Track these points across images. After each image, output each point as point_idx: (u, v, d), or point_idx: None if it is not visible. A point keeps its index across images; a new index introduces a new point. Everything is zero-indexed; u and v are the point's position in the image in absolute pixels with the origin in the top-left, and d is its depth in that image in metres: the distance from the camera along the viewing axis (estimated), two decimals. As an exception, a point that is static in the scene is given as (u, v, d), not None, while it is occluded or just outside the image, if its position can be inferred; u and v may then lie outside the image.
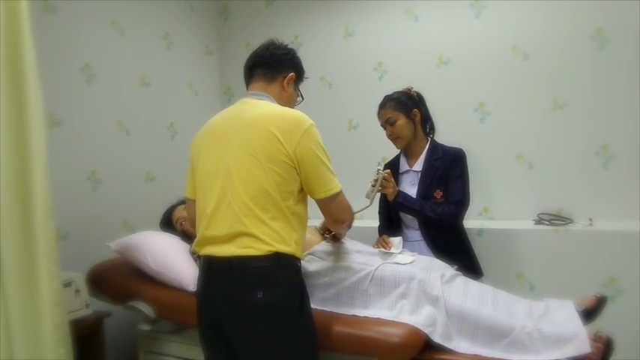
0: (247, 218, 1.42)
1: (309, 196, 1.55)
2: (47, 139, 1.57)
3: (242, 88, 3.48)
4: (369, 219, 2.55)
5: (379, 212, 2.32)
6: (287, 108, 1.56)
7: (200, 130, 1.66)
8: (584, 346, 1.39)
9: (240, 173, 1.45)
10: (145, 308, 1.94)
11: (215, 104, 3.37)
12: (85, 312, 2.00)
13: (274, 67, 1.67)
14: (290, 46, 1.75)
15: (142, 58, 2.85)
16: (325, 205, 1.52)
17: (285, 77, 1.67)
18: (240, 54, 3.35)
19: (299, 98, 1.78)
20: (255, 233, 1.41)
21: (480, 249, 2.31)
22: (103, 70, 2.60)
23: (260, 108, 1.53)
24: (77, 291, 1.99)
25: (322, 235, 1.93)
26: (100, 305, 2.13)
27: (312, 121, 1.51)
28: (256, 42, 3.28)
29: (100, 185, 2.56)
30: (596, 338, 1.43)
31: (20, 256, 1.53)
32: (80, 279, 2.03)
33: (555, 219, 2.38)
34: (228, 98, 3.39)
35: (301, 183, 1.50)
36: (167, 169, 2.94)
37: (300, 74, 1.75)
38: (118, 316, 2.21)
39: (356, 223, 2.78)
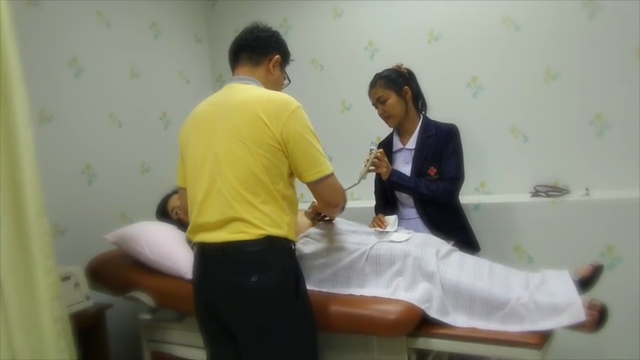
0: (238, 203, 1.42)
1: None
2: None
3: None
4: (365, 199, 2.55)
5: (375, 192, 2.32)
6: (273, 91, 1.55)
7: (187, 118, 1.65)
8: (579, 315, 1.40)
9: (229, 158, 1.45)
10: (145, 298, 1.96)
11: (207, 92, 3.27)
12: (85, 304, 2.02)
13: (259, 50, 1.65)
14: (274, 29, 1.74)
15: (130, 49, 2.83)
16: (316, 187, 1.51)
17: (270, 60, 1.65)
18: (230, 40, 3.30)
19: (286, 81, 1.77)
20: (246, 218, 1.42)
21: (478, 224, 2.31)
22: (91, 63, 2.59)
23: (246, 92, 1.52)
24: (77, 284, 2.00)
25: (312, 219, 1.93)
26: (101, 297, 2.14)
27: (298, 104, 1.49)
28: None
29: (95, 179, 2.56)
30: (590, 306, 1.43)
31: (15, 252, 1.53)
32: (79, 272, 2.04)
33: (552, 190, 2.38)
34: (220, 85, 3.30)
35: (290, 166, 1.49)
36: (162, 159, 2.94)
37: (285, 57, 1.73)
38: (120, 306, 2.23)
39: (353, 204, 2.81)
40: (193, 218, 1.53)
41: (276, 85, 1.69)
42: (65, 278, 1.94)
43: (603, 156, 2.33)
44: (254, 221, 1.42)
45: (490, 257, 1.85)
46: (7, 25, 1.55)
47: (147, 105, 2.91)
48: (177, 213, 2.12)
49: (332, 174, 1.52)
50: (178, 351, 2.04)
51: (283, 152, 1.46)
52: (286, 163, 1.48)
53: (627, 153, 2.28)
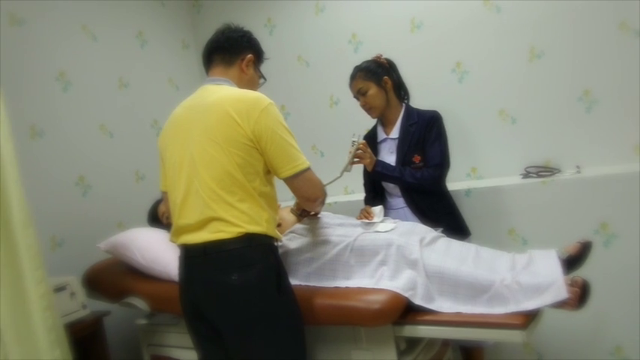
0: (215, 203, 1.44)
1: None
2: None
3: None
4: (359, 192, 2.55)
5: (364, 184, 2.32)
6: (244, 90, 1.56)
7: (165, 123, 1.67)
8: (562, 292, 1.39)
9: (204, 160, 1.46)
10: (140, 303, 1.98)
11: None
12: (82, 313, 2.05)
13: (231, 50, 1.66)
14: (246, 29, 1.75)
15: (118, 60, 2.86)
16: (293, 183, 1.51)
17: (243, 60, 1.67)
18: (218, 43, 3.35)
19: (261, 80, 1.77)
20: (224, 217, 1.43)
21: (470, 209, 2.31)
22: (79, 77, 2.62)
23: (218, 92, 1.54)
24: (72, 293, 2.03)
25: (298, 216, 1.93)
26: (100, 305, 2.18)
27: (270, 101, 1.50)
28: (230, 30, 3.27)
29: (90, 190, 2.60)
30: (572, 283, 1.42)
31: (4, 264, 1.57)
32: (75, 282, 2.08)
33: (543, 170, 2.35)
34: (210, 89, 3.38)
35: (266, 163, 1.50)
36: (156, 166, 2.90)
37: (259, 55, 1.74)
38: (118, 313, 2.26)
39: (347, 198, 2.83)
40: (175, 221, 1.55)
41: (251, 84, 1.70)
42: (60, 288, 1.98)
43: (593, 132, 2.30)
44: (232, 220, 1.43)
45: (484, 242, 1.85)
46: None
47: (137, 113, 2.94)
48: (167, 218, 2.14)
49: (308, 168, 1.52)
50: (177, 353, 2.06)
51: (257, 150, 1.47)
52: (261, 160, 1.49)
53: (617, 127, 2.25)
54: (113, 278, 2.11)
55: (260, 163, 1.49)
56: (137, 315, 2.09)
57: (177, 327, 2.05)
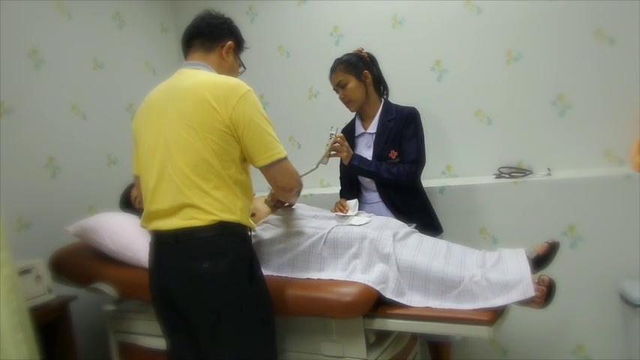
0: (189, 189, 1.42)
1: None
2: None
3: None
4: (335, 186, 2.55)
5: (340, 177, 2.33)
6: (223, 76, 1.54)
7: (140, 106, 1.64)
8: (529, 290, 1.42)
9: (179, 144, 1.44)
10: (108, 289, 1.95)
11: None
12: (47, 297, 2.00)
13: (211, 36, 1.64)
14: (226, 16, 1.72)
15: (93, 40, 2.78)
16: (269, 172, 1.50)
17: (223, 47, 1.64)
18: (197, 29, 3.29)
19: (241, 68, 1.75)
20: (197, 204, 1.41)
21: (443, 207, 2.34)
22: (52, 55, 2.54)
23: (195, 77, 1.51)
24: (38, 277, 1.98)
25: (272, 207, 1.92)
26: (66, 290, 2.13)
27: (249, 88, 1.48)
28: (211, 15, 3.22)
29: (59, 171, 2.53)
30: (539, 282, 1.46)
31: (-34, 245, 1.52)
32: (40, 265, 2.02)
33: (515, 171, 2.40)
34: (188, 75, 3.33)
35: (242, 151, 1.49)
36: (129, 151, 2.86)
37: (239, 43, 1.72)
38: (85, 299, 2.21)
39: (322, 190, 2.83)
40: (146, 206, 1.52)
41: (231, 71, 1.68)
42: (25, 271, 1.92)
43: (565, 136, 2.35)
44: (205, 207, 1.41)
45: (456, 239, 1.87)
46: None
47: (112, 96, 2.87)
48: (139, 202, 2.10)
49: (285, 158, 1.51)
50: (145, 341, 2.04)
51: (233, 137, 1.45)
52: (237, 147, 1.47)
53: (589, 132, 2.31)
54: (81, 263, 2.07)
55: (236, 151, 1.47)
56: (104, 301, 2.05)
57: (145, 314, 2.02)
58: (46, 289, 2.00)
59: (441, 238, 1.92)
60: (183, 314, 1.47)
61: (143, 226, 1.57)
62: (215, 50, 1.62)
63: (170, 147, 1.45)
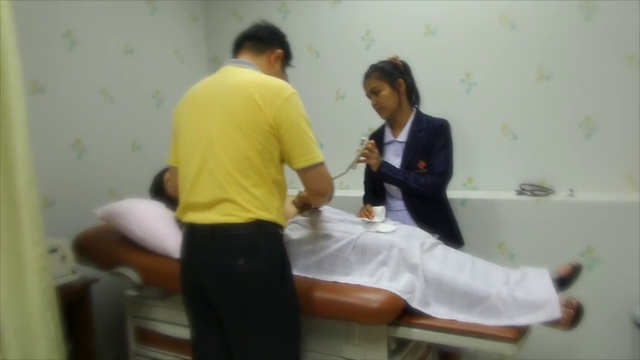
0: (229, 185, 1.44)
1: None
2: (29, 106, 1.56)
3: (229, 56, 3.44)
4: (354, 188, 2.58)
5: (364, 182, 2.35)
6: (270, 76, 1.56)
7: (182, 98, 1.66)
8: (555, 312, 1.44)
9: (222, 140, 1.46)
10: (131, 274, 1.97)
11: (202, 73, 3.26)
12: (71, 278, 2.03)
13: (264, 40, 1.68)
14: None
15: (126, 24, 2.81)
16: (305, 175, 1.52)
17: (272, 52, 1.68)
18: (227, 22, 3.31)
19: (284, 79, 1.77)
20: (237, 200, 1.43)
21: (463, 219, 2.35)
22: (86, 36, 2.56)
23: (242, 75, 1.53)
24: (63, 257, 2.01)
25: (299, 207, 1.94)
26: (87, 271, 2.15)
27: (293, 90, 1.51)
28: (243, 10, 3.28)
29: (85, 153, 2.55)
30: (567, 304, 1.48)
31: (4, 223, 1.54)
32: (66, 245, 2.05)
33: (537, 189, 2.42)
34: (215, 67, 3.33)
35: (281, 152, 1.51)
36: (153, 138, 2.93)
37: (288, 56, 1.76)
38: (105, 281, 2.23)
39: (342, 193, 2.86)
40: (184, 197, 1.54)
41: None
42: (52, 251, 1.95)
43: (590, 158, 2.37)
44: (244, 204, 1.43)
45: (473, 252, 1.89)
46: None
47: (140, 82, 2.89)
48: (170, 187, 2.11)
49: (322, 162, 1.53)
50: (162, 328, 2.06)
51: (275, 137, 1.47)
52: (278, 148, 1.49)
53: (613, 157, 2.33)
54: (106, 246, 2.09)
55: (277, 151, 1.50)
56: (124, 285, 2.07)
57: (165, 302, 2.05)
58: (70, 269, 2.03)
59: (462, 251, 1.95)
60: (213, 307, 1.49)
61: (178, 217, 1.59)
62: (264, 54, 1.66)
63: (213, 142, 1.47)
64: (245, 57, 1.64)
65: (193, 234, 1.51)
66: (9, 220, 1.55)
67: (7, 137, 1.55)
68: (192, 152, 1.52)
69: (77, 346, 2.02)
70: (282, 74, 1.73)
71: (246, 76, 1.53)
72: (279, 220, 1.52)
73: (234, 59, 1.65)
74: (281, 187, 1.55)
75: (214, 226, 1.45)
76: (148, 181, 2.26)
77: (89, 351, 2.11)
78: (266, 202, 1.47)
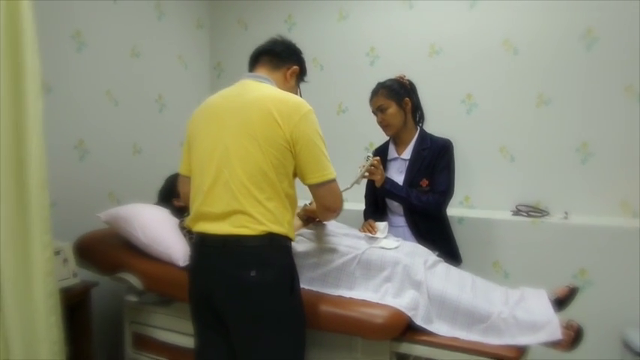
0: (244, 197, 1.46)
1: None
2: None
3: (232, 64, 3.49)
4: (354, 202, 2.61)
5: (365, 196, 2.38)
6: (287, 93, 1.59)
7: (198, 108, 1.68)
8: (556, 333, 1.49)
9: (239, 153, 1.48)
10: (133, 280, 1.97)
11: (204, 79, 3.35)
12: (72, 281, 2.02)
13: (281, 55, 1.71)
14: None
15: (134, 28, 2.82)
16: (318, 191, 1.55)
17: (289, 69, 1.71)
18: (232, 29, 3.34)
19: (298, 95, 1.80)
20: (250, 212, 1.45)
21: (461, 236, 2.39)
22: (94, 38, 2.57)
23: (261, 91, 1.56)
24: (65, 260, 2.00)
25: (304, 220, 1.97)
26: (87, 275, 2.15)
27: (310, 107, 1.54)
28: (248, 18, 3.31)
29: (87, 155, 2.55)
30: (567, 326, 1.52)
31: (14, 224, 1.55)
32: (68, 248, 2.05)
33: (532, 211, 2.48)
34: (217, 74, 3.37)
35: (295, 167, 1.54)
36: (154, 142, 2.94)
37: (303, 72, 1.79)
38: (104, 286, 2.23)
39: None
40: (196, 206, 1.55)
41: None
42: (55, 253, 1.93)
43: (585, 183, 2.45)
44: (257, 216, 1.45)
45: (469, 269, 1.94)
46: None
47: (144, 86, 2.90)
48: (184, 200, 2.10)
49: (334, 179, 1.56)
50: (161, 334, 2.07)
51: (291, 152, 1.50)
52: (293, 163, 1.52)
53: (608, 182, 2.40)
54: (107, 250, 2.09)
55: (291, 166, 1.52)
56: (126, 291, 2.07)
57: (165, 309, 2.05)
58: (72, 272, 2.03)
59: (461, 269, 1.99)
60: (221, 316, 1.51)
61: (189, 226, 1.61)
62: (281, 70, 1.69)
63: (230, 153, 1.49)
64: (262, 71, 1.67)
65: (205, 243, 1.53)
66: (20, 221, 1.55)
67: (22, 139, 1.56)
68: (207, 163, 1.53)
69: (75, 350, 2.01)
70: (296, 89, 1.77)
71: (265, 91, 1.55)
72: (290, 234, 1.55)
73: (252, 73, 1.67)
74: (292, 201, 1.57)
75: (226, 237, 1.47)
76: (147, 185, 2.28)
77: (87, 355, 2.10)
78: (278, 216, 1.49)
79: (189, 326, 1.88)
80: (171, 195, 2.12)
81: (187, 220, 1.62)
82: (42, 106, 1.60)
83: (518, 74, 2.57)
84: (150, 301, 2.09)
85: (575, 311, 2.15)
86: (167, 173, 2.26)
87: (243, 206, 1.46)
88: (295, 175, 1.57)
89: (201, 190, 1.54)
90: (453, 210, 2.60)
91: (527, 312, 1.60)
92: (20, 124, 1.56)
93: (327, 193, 1.57)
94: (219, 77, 3.37)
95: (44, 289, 1.60)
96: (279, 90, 1.59)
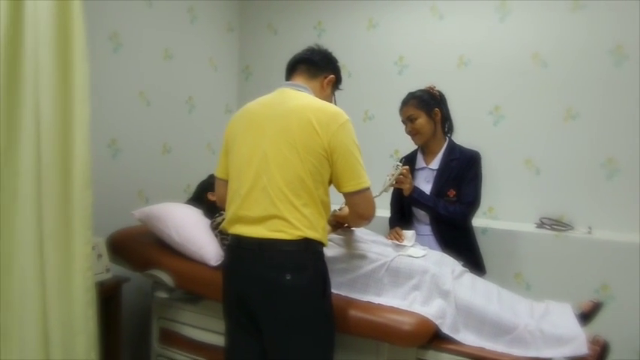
0: (281, 202, 1.50)
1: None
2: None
3: (260, 68, 3.54)
4: (379, 208, 2.64)
5: (391, 204, 2.41)
6: (326, 102, 1.64)
7: (236, 114, 1.73)
8: (582, 348, 1.51)
9: (278, 159, 1.53)
10: (165, 277, 2.02)
11: (233, 81, 3.41)
12: (105, 276, 2.08)
13: (318, 65, 1.76)
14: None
15: (167, 30, 2.88)
16: (353, 198, 1.60)
17: (325, 77, 1.76)
18: (261, 33, 3.39)
19: (333, 103, 1.84)
20: (287, 217, 1.50)
21: (484, 247, 2.42)
22: (130, 40, 2.64)
23: (300, 99, 1.60)
24: (100, 255, 2.07)
25: (333, 226, 2.00)
26: (118, 270, 2.21)
27: (348, 117, 1.59)
28: (278, 22, 3.36)
29: (119, 153, 2.61)
30: (594, 341, 1.55)
31: (59, 221, 1.60)
32: (102, 244, 2.11)
33: (556, 224, 2.50)
34: (245, 77, 3.43)
35: (331, 175, 1.58)
36: (183, 142, 3.00)
37: (338, 80, 1.83)
38: (134, 282, 2.29)
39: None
40: (234, 210, 1.60)
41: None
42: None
43: (609, 198, 2.45)
44: (294, 222, 1.50)
45: (492, 280, 1.97)
46: (77, 4, 1.62)
47: (175, 87, 2.97)
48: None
49: (369, 188, 1.61)
50: (188, 331, 2.12)
51: (328, 160, 1.54)
52: (329, 171, 1.57)
53: (633, 199, 2.41)
54: (141, 248, 2.15)
55: (327, 174, 1.57)
56: (157, 288, 2.12)
57: (194, 306, 2.11)
58: (105, 268, 2.09)
59: (485, 280, 2.02)
60: (254, 317, 1.55)
61: (225, 228, 1.65)
62: (318, 78, 1.73)
63: (269, 160, 1.53)
64: (299, 80, 1.72)
65: (241, 246, 1.57)
66: (64, 218, 1.61)
67: (68, 139, 1.61)
68: (246, 168, 1.58)
69: (105, 343, 2.07)
70: (331, 97, 1.82)
71: (304, 100, 1.60)
72: (324, 239, 1.59)
73: (291, 82, 1.72)
74: (327, 208, 1.62)
75: (262, 240, 1.51)
76: (175, 183, 2.33)
77: (115, 347, 2.16)
78: (314, 222, 1.54)
79: (216, 324, 1.95)
80: (202, 197, 2.18)
81: (223, 223, 1.67)
82: (89, 110, 1.65)
83: (546, 88, 2.58)
84: (179, 298, 2.14)
85: (597, 326, 2.18)
86: (194, 172, 2.32)
87: (280, 211, 1.50)
88: (330, 182, 1.61)
89: (238, 194, 1.59)
90: (476, 220, 2.62)
91: (554, 325, 1.63)
92: (67, 125, 1.61)
93: (361, 201, 1.61)
94: (247, 80, 3.42)
95: (83, 283, 1.66)
96: (317, 99, 1.64)
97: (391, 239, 2.06)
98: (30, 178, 1.54)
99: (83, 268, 1.66)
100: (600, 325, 2.22)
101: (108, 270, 2.11)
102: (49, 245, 1.58)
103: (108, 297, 2.09)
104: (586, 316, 1.79)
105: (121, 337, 2.21)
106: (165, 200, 2.27)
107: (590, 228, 2.45)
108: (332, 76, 1.77)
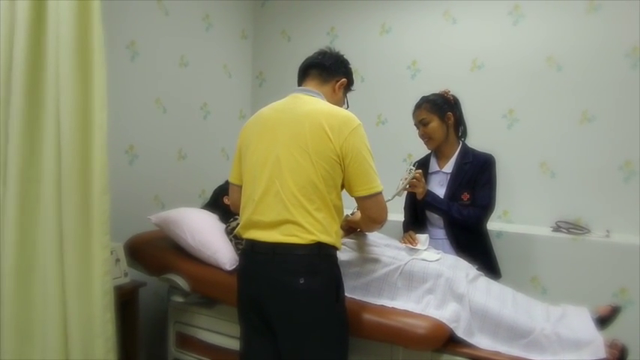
0: (294, 207, 1.52)
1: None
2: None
3: (274, 74, 3.58)
4: (392, 212, 2.64)
5: (404, 208, 2.41)
6: (338, 107, 1.65)
7: (249, 120, 1.75)
8: (600, 352, 1.50)
9: (290, 164, 1.54)
10: (181, 281, 2.05)
11: (247, 88, 3.45)
12: (123, 280, 2.11)
13: (329, 69, 1.76)
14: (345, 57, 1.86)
15: (183, 38, 2.93)
16: (365, 203, 1.61)
17: (337, 81, 1.77)
18: (275, 40, 3.43)
19: (345, 106, 1.86)
20: (300, 222, 1.51)
21: (499, 250, 2.40)
22: (147, 48, 2.69)
23: (312, 105, 1.62)
24: (117, 260, 2.10)
25: (345, 231, 2.01)
26: (135, 274, 2.24)
27: (359, 122, 1.60)
28: (292, 29, 3.39)
29: (136, 159, 2.66)
30: (612, 345, 1.53)
31: (78, 226, 1.63)
32: (120, 249, 2.14)
33: (573, 228, 2.47)
34: (259, 83, 3.46)
35: (343, 179, 1.59)
36: (198, 149, 3.04)
37: (350, 83, 1.84)
38: (150, 286, 2.32)
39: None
40: (247, 215, 1.62)
41: (337, 105, 1.78)
42: (109, 253, 2.04)
43: (627, 201, 2.43)
44: (307, 226, 1.51)
45: (507, 284, 1.95)
46: (97, 14, 1.66)
47: (191, 94, 3.01)
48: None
49: (381, 192, 1.61)
50: (204, 335, 2.14)
51: (340, 165, 1.56)
52: (341, 175, 1.58)
53: (650, 202, 2.38)
54: (158, 252, 2.18)
55: (340, 178, 1.58)
56: (173, 292, 2.16)
57: (210, 310, 2.13)
58: (123, 272, 2.12)
59: (500, 283, 2.00)
60: (269, 322, 1.57)
61: (239, 233, 1.67)
62: (330, 83, 1.75)
63: (281, 165, 1.55)
64: (311, 85, 1.73)
65: (255, 250, 1.59)
66: (83, 224, 1.64)
67: (87, 145, 1.65)
68: (259, 173, 1.60)
69: (122, 345, 2.10)
70: (343, 100, 1.83)
71: (316, 105, 1.61)
72: (337, 244, 1.60)
73: (303, 87, 1.73)
74: (339, 212, 1.63)
75: (276, 244, 1.53)
76: (190, 188, 2.36)
77: (133, 351, 2.19)
78: (327, 226, 1.55)
79: (231, 328, 1.97)
80: (217, 202, 2.21)
81: (238, 228, 1.69)
82: (106, 117, 1.68)
83: (561, 90, 2.57)
84: (194, 303, 2.17)
85: (614, 329, 2.15)
86: (209, 178, 2.36)
87: (293, 216, 1.52)
88: (343, 186, 1.62)
89: (252, 199, 1.61)
90: (491, 224, 2.60)
91: (570, 329, 1.61)
92: (87, 131, 1.65)
93: (373, 205, 1.62)
94: (260, 86, 3.46)
95: (102, 287, 1.68)
96: (329, 104, 1.65)
97: (405, 243, 2.05)
98: (51, 184, 1.58)
99: (101, 272, 1.69)
100: (618, 329, 2.20)
101: (126, 274, 2.14)
102: (69, 249, 1.61)
103: (125, 301, 2.12)
104: (604, 321, 1.76)
105: (139, 340, 2.24)
106: (180, 205, 2.30)
107: (608, 231, 2.42)
108: (344, 79, 1.78)
